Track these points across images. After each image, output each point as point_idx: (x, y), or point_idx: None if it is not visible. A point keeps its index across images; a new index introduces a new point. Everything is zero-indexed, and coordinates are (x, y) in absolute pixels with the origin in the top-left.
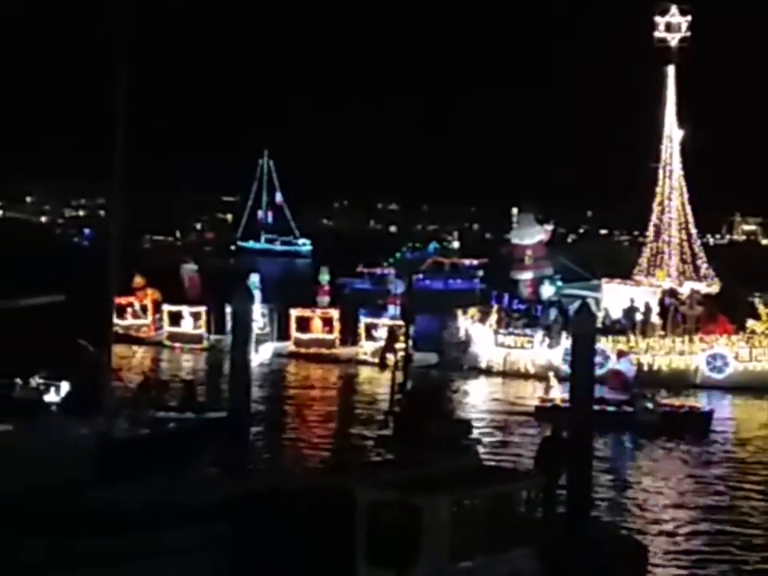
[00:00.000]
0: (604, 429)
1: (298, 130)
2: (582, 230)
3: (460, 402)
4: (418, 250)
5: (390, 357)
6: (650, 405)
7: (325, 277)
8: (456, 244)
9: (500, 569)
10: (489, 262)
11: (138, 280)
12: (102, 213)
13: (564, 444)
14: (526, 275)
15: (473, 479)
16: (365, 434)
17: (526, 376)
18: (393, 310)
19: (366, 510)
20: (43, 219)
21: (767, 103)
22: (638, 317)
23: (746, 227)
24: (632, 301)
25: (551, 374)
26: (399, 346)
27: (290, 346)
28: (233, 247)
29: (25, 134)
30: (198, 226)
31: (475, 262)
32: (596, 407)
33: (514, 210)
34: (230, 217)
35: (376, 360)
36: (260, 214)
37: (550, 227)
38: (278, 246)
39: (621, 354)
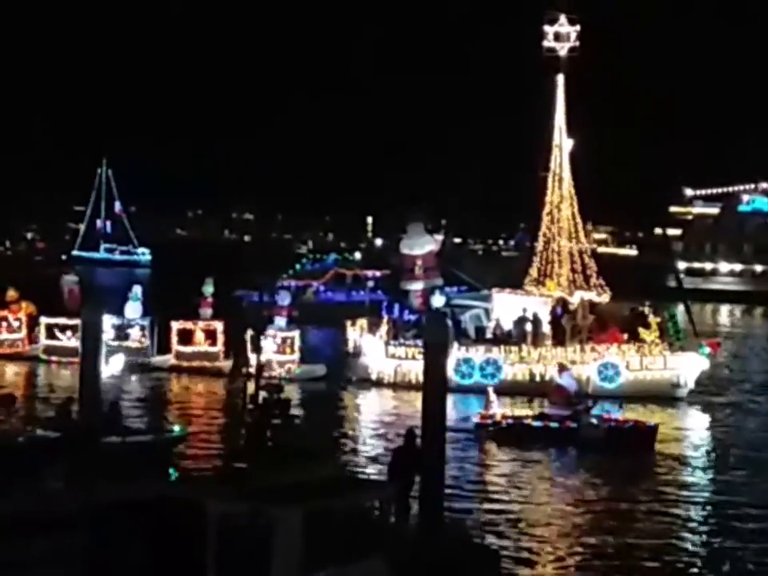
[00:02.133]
0: (547, 444)
1: (152, 139)
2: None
3: (386, 420)
4: (318, 261)
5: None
6: (594, 420)
7: (209, 288)
8: (357, 255)
9: None
10: (391, 274)
11: (12, 293)
12: None
13: (417, 453)
14: (417, 285)
15: (325, 489)
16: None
17: (417, 387)
18: (279, 321)
19: (216, 521)
20: None
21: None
22: (529, 327)
23: (597, 236)
24: (524, 311)
25: (490, 389)
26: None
27: (171, 359)
28: (64, 257)
29: None
30: (29, 235)
31: (378, 273)
32: (539, 423)
33: (369, 219)
34: (81, 227)
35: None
36: (99, 223)
37: (440, 237)
38: (116, 256)
39: (562, 369)
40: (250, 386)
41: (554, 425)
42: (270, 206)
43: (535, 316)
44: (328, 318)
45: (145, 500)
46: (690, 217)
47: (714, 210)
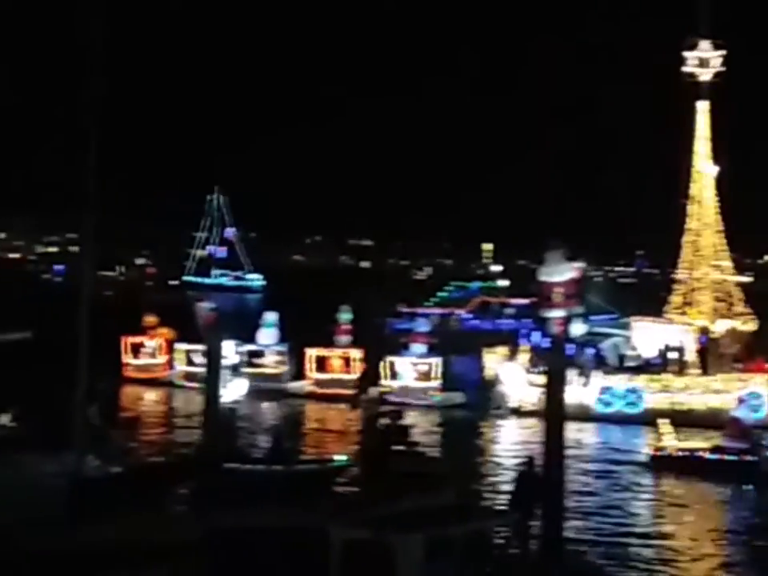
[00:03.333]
0: (723, 478)
1: (270, 166)
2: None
3: (521, 448)
4: (462, 288)
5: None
6: None
7: (345, 316)
8: (504, 282)
9: None
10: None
11: (150, 319)
12: (73, 248)
13: (538, 480)
14: (556, 313)
15: (446, 516)
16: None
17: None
18: (417, 348)
19: (339, 547)
20: (14, 255)
21: None
22: (673, 355)
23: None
24: (666, 339)
25: (665, 421)
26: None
27: (307, 385)
28: (174, 282)
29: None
30: (140, 261)
31: (525, 300)
32: (714, 456)
33: (484, 246)
34: (199, 252)
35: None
36: (211, 248)
37: (580, 264)
38: (228, 281)
39: (740, 401)
40: (370, 412)
41: (730, 458)
42: (387, 232)
43: (680, 344)
44: (468, 345)
45: (269, 527)
46: None
47: None
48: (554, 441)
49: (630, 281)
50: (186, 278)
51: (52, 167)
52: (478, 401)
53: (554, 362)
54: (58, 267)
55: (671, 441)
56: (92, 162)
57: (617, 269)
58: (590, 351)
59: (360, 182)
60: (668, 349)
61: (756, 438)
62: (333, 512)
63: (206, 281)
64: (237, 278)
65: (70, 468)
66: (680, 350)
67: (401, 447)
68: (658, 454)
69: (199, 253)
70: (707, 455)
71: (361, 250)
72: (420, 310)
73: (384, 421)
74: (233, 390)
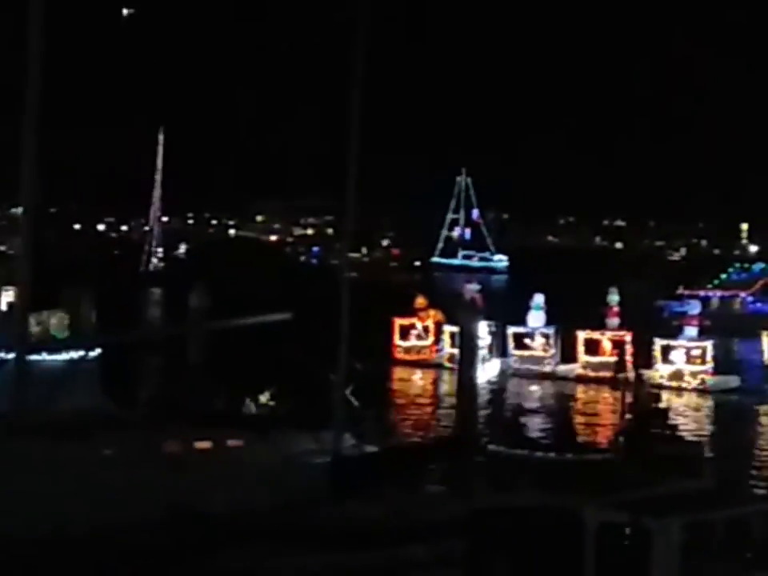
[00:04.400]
0: None
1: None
2: None
3: None
4: (745, 270)
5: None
6: None
7: (614, 297)
8: None
9: None
10: None
11: (421, 300)
12: (330, 231)
13: None
14: None
15: (706, 502)
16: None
17: None
18: (689, 331)
19: (594, 530)
20: (273, 238)
21: None
22: None
23: None
24: None
25: None
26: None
27: (577, 368)
28: (417, 263)
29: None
30: (385, 242)
31: None
32: None
33: (743, 226)
34: (446, 234)
35: (673, 384)
36: (457, 230)
37: None
38: (474, 262)
39: None
40: (628, 396)
41: None
42: (642, 213)
43: None
44: (750, 328)
45: (523, 508)
46: None
47: None
48: None
49: None
50: (433, 258)
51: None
52: (756, 385)
53: None
54: (315, 249)
55: None
56: (354, 146)
57: None
58: None
59: (615, 163)
60: None
61: None
62: (589, 494)
63: (453, 262)
64: (482, 259)
65: (328, 447)
66: None
67: (659, 431)
68: None
69: (446, 234)
70: None
71: (615, 230)
72: (701, 293)
73: (643, 404)
74: (487, 371)
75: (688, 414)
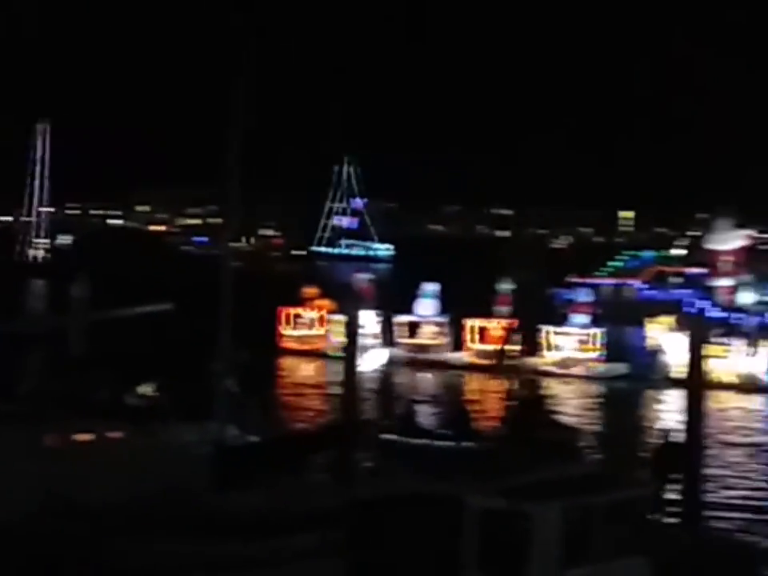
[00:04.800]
0: None
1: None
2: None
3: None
4: (636, 257)
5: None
6: None
7: (504, 286)
8: (681, 251)
9: None
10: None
11: (310, 290)
12: (214, 220)
13: (681, 450)
14: (724, 282)
15: (585, 486)
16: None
17: (723, 387)
18: (579, 318)
19: (474, 516)
20: (156, 228)
21: None
22: None
23: None
24: None
25: None
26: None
27: (467, 357)
28: (297, 252)
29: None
30: (266, 232)
31: (705, 270)
32: None
33: (621, 213)
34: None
35: (561, 371)
36: (340, 219)
37: (749, 232)
38: (357, 251)
39: None
40: (508, 382)
41: None
42: (526, 201)
43: None
44: (640, 316)
45: (406, 495)
46: None
47: None
48: (694, 410)
49: None
50: (314, 248)
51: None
52: (643, 372)
53: (694, 330)
54: (199, 239)
55: None
56: (237, 134)
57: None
58: (757, 320)
59: (500, 150)
60: None
61: None
62: (469, 481)
63: (335, 251)
64: (365, 248)
65: (211, 437)
66: None
67: (538, 417)
68: None
69: (328, 223)
70: None
71: (500, 219)
72: (591, 280)
73: (521, 391)
74: (372, 360)
75: (575, 401)
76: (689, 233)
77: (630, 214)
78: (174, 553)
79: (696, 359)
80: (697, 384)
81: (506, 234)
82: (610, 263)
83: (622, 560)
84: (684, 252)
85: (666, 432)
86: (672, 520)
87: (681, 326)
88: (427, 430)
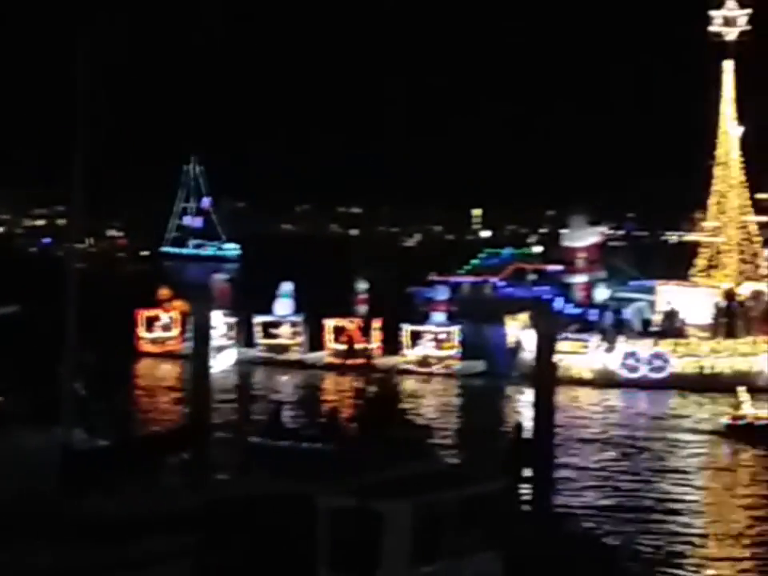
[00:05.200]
0: None
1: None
2: (543, 230)
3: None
4: (495, 255)
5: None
6: None
7: (363, 285)
8: (538, 248)
9: (464, 573)
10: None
11: (165, 291)
12: (60, 221)
13: (532, 446)
14: (579, 278)
15: (436, 483)
16: None
17: (580, 383)
18: (437, 317)
19: (327, 515)
20: (0, 229)
21: None
22: (699, 319)
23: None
24: (691, 303)
25: (742, 388)
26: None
27: (326, 356)
28: (146, 253)
29: None
30: (112, 233)
31: (562, 267)
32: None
33: (474, 212)
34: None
35: (421, 370)
36: (187, 219)
37: (603, 229)
38: (205, 251)
39: None
40: (359, 381)
41: None
42: (377, 199)
43: (715, 307)
44: (499, 313)
45: (258, 496)
46: None
47: None
48: (543, 404)
49: (620, 244)
50: (163, 248)
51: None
52: (501, 369)
53: (543, 326)
54: (46, 241)
55: (750, 409)
56: (80, 135)
57: (607, 232)
58: (611, 316)
59: (350, 147)
60: (672, 314)
61: None
62: (320, 480)
63: (183, 251)
64: (213, 248)
65: (58, 442)
66: (714, 312)
67: (389, 415)
68: (737, 423)
69: (178, 223)
70: None
71: (350, 217)
72: (452, 278)
73: (372, 389)
74: (222, 361)
75: (433, 399)
76: (541, 230)
77: (479, 211)
78: (19, 558)
79: (545, 354)
80: (545, 379)
81: (357, 232)
82: (472, 261)
83: (473, 556)
84: (542, 249)
85: (518, 428)
86: (524, 515)
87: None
88: (293, 430)
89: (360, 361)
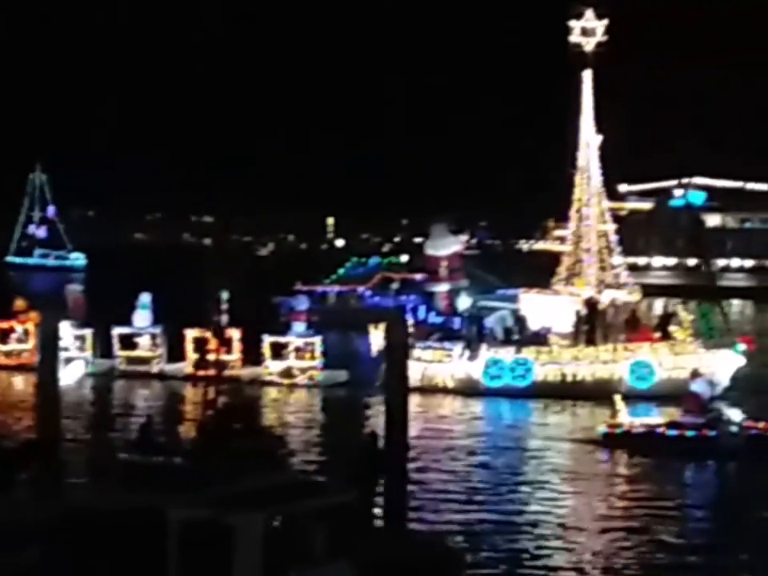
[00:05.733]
0: (683, 454)
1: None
2: (397, 239)
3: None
4: (362, 264)
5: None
6: (734, 428)
7: (224, 295)
8: (404, 258)
9: None
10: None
11: (20, 303)
12: None
13: (386, 455)
14: (442, 287)
15: (288, 494)
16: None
17: (444, 391)
18: (298, 326)
19: (177, 528)
20: None
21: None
22: (561, 327)
23: (559, 232)
24: (553, 311)
25: (618, 396)
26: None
27: (186, 367)
28: None
29: None
30: None
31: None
32: (673, 432)
33: (329, 220)
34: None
35: (284, 381)
36: (32, 228)
37: (464, 237)
38: (51, 261)
39: (695, 375)
40: (211, 391)
41: (690, 433)
42: (230, 208)
43: (576, 314)
44: (358, 322)
45: (108, 510)
46: (624, 212)
47: (647, 205)
48: (395, 414)
49: (473, 252)
50: (8, 258)
51: None
52: (364, 379)
53: (394, 335)
54: None
55: (626, 417)
56: None
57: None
58: (474, 325)
59: (201, 157)
60: (549, 320)
61: (715, 413)
62: (170, 492)
63: (29, 261)
64: (58, 258)
65: None
66: (575, 320)
67: (242, 426)
68: (614, 431)
69: (23, 232)
70: (667, 431)
71: (203, 226)
72: (319, 288)
73: (225, 400)
74: (70, 373)
75: (293, 410)
76: (395, 239)
77: (332, 220)
78: None
79: (396, 364)
80: (397, 388)
81: (209, 242)
82: (339, 270)
83: (327, 565)
84: (408, 258)
85: (373, 437)
86: (377, 524)
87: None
88: (161, 444)
89: (215, 372)
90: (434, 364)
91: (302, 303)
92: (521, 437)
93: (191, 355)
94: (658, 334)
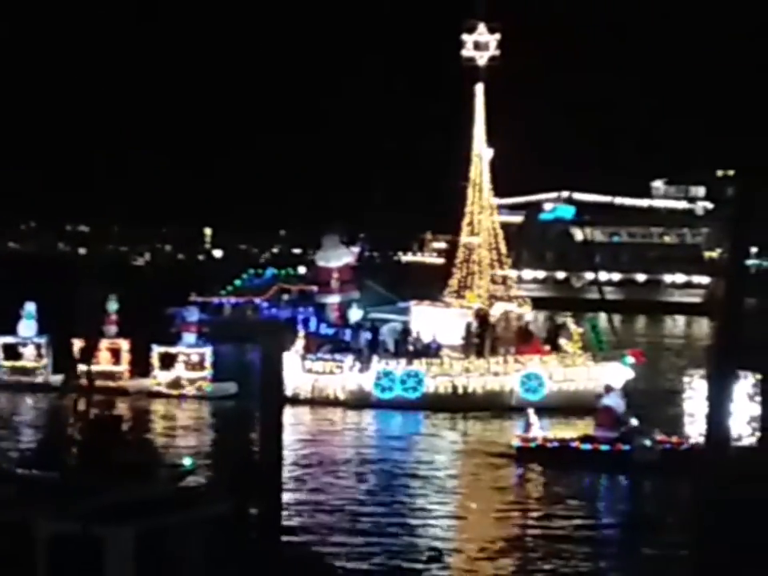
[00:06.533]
0: (597, 468)
1: None
2: (275, 250)
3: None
4: (258, 276)
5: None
6: (648, 442)
7: (113, 305)
8: (301, 269)
9: None
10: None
11: None
12: None
13: (263, 467)
14: (333, 299)
15: (161, 507)
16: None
17: (335, 403)
18: (188, 338)
19: (45, 542)
20: None
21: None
22: (452, 340)
23: (437, 245)
24: (444, 323)
25: (531, 410)
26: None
27: (75, 378)
28: None
29: None
30: None
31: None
32: (587, 446)
33: (206, 231)
34: None
35: (173, 392)
36: None
37: (356, 249)
38: None
39: (608, 389)
40: (81, 402)
41: (604, 447)
42: (105, 217)
43: (467, 327)
44: (253, 334)
45: None
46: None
47: (518, 219)
48: (269, 424)
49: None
50: None
51: None
52: (253, 391)
53: (267, 346)
54: None
55: (539, 431)
56: None
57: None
58: (365, 336)
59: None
60: (440, 332)
61: (628, 426)
62: (38, 505)
63: None
64: None
65: None
66: (465, 333)
67: (112, 439)
68: (527, 444)
69: None
70: (580, 445)
71: (78, 235)
72: (215, 299)
73: (94, 411)
74: None
75: (182, 421)
76: (273, 249)
77: (209, 230)
78: None
79: (269, 375)
80: (270, 400)
81: (84, 251)
82: (235, 281)
83: None
84: (304, 270)
85: (249, 449)
86: (253, 536)
87: (289, 343)
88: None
89: (86, 382)
90: (324, 375)
91: (193, 314)
92: (406, 448)
93: (78, 366)
94: (547, 347)
